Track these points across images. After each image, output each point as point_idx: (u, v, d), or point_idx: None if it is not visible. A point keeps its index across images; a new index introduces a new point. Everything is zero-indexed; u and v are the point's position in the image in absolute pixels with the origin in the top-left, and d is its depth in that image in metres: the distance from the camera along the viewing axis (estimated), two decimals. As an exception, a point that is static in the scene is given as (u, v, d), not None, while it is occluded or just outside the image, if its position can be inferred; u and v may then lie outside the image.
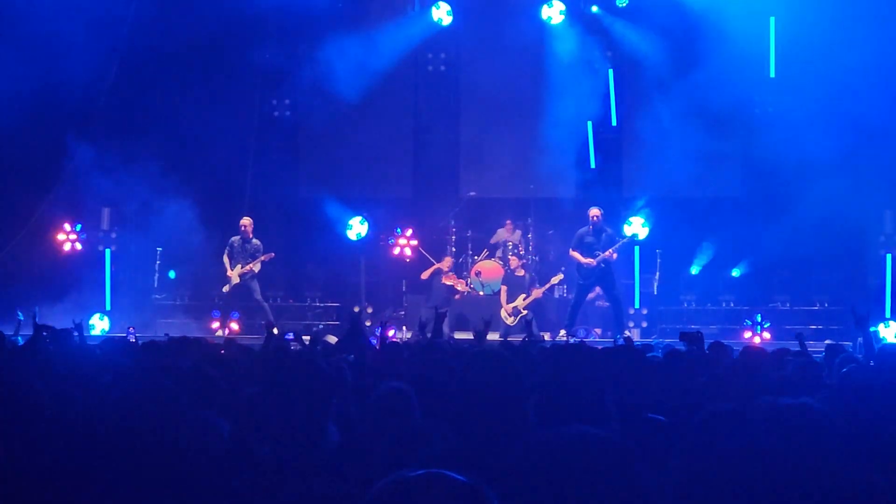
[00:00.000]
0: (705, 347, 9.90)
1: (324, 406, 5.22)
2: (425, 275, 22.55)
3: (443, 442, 4.97)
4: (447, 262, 22.67)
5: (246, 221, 21.19)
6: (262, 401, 5.34)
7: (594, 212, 20.40)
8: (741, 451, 3.99)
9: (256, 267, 20.98)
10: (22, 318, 16.66)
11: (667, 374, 8.13)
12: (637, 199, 22.66)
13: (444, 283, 22.42)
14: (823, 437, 4.42)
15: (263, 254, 21.01)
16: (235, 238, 21.16)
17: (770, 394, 6.77)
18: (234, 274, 20.94)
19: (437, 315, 12.19)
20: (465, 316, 22.28)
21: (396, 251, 23.74)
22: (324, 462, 4.88)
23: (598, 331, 21.67)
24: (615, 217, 21.91)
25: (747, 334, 21.26)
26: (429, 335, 12.58)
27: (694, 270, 22.93)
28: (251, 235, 21.14)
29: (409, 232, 23.80)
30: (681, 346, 10.74)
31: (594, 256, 20.19)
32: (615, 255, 20.43)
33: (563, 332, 20.23)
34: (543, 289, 21.77)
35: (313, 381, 5.23)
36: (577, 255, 20.37)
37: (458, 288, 22.60)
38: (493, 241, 23.55)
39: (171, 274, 22.93)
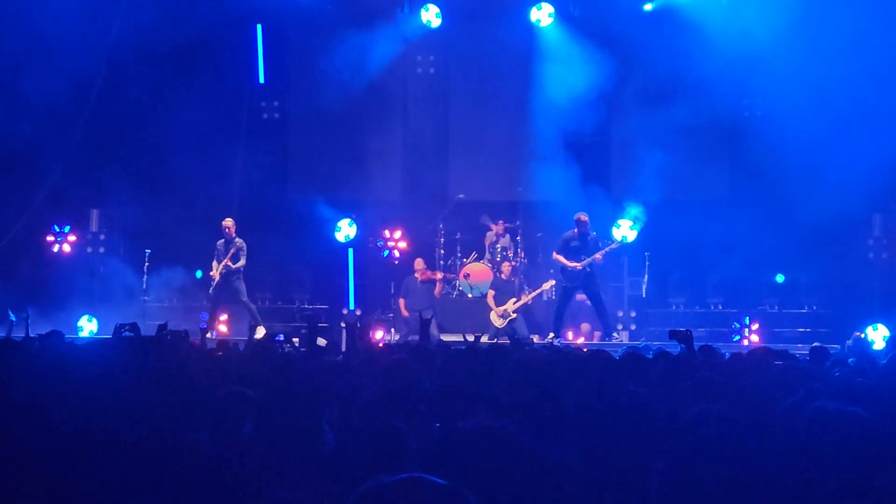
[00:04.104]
0: (695, 346, 9.87)
1: (319, 409, 5.22)
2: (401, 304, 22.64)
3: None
4: (419, 264, 22.66)
5: (228, 223, 21.14)
6: (257, 404, 5.33)
7: (581, 217, 20.40)
8: (740, 453, 4.00)
9: (240, 263, 20.89)
10: (14, 320, 16.63)
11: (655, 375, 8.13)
12: (626, 201, 22.65)
13: (420, 284, 22.42)
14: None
15: (243, 252, 20.94)
16: (221, 241, 21.15)
17: (763, 396, 6.79)
18: (216, 272, 20.92)
19: (421, 320, 12.21)
20: (454, 318, 22.28)
21: (385, 253, 23.74)
22: (320, 465, 4.88)
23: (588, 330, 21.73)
24: (604, 220, 21.93)
25: (736, 336, 21.35)
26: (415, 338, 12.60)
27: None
28: (234, 235, 21.09)
29: (398, 234, 23.81)
30: (671, 349, 10.73)
31: (580, 261, 20.19)
32: (599, 258, 20.45)
33: (551, 335, 20.23)
34: (533, 294, 21.82)
35: (308, 385, 5.23)
36: (561, 258, 20.36)
37: (437, 278, 22.61)
38: (486, 242, 23.54)
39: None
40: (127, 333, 10.58)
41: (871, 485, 4.35)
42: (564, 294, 20.67)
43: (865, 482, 4.35)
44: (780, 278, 22.82)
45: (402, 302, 22.58)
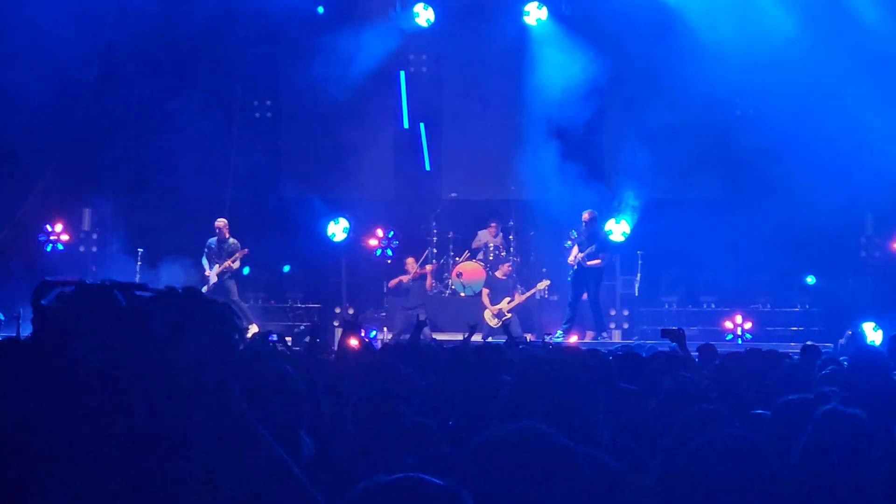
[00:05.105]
0: (686, 344, 9.82)
1: (296, 412, 5.16)
2: (392, 283, 22.61)
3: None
4: (411, 263, 22.64)
5: (221, 223, 21.16)
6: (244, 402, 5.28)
7: (585, 215, 20.54)
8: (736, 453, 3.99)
9: (235, 264, 20.93)
10: (3, 319, 16.59)
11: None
12: (619, 200, 22.66)
13: (412, 283, 22.39)
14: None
15: (238, 252, 20.96)
16: (212, 239, 21.14)
17: (755, 395, 6.78)
18: (212, 274, 20.91)
19: (417, 321, 12.19)
20: (447, 317, 22.30)
21: (378, 252, 23.74)
22: (300, 465, 4.83)
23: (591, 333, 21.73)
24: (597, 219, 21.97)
25: (728, 335, 21.34)
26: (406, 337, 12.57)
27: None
28: (227, 235, 21.10)
29: (391, 233, 23.80)
30: (665, 348, 10.70)
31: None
32: (596, 262, 20.45)
33: (559, 331, 20.25)
34: (527, 294, 21.85)
35: (284, 387, 5.17)
36: (573, 252, 20.60)
37: (425, 272, 22.57)
38: (474, 245, 23.49)
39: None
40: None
41: (866, 486, 4.36)
42: (570, 288, 20.80)
43: (862, 483, 4.35)
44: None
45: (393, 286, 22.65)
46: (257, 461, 2.80)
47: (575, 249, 20.61)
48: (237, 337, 2.81)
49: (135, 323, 2.68)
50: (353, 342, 10.03)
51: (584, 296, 20.91)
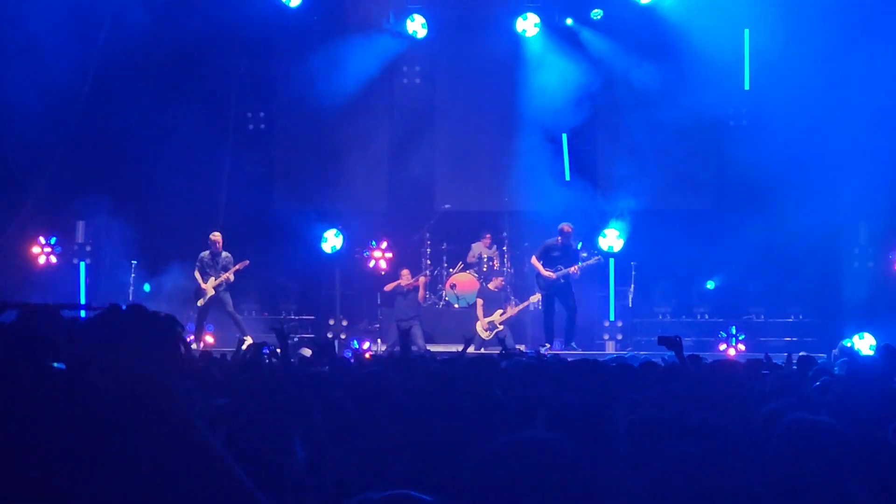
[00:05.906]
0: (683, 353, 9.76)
1: (289, 422, 5.16)
2: (389, 287, 22.54)
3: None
4: (406, 275, 22.56)
5: (215, 237, 21.15)
6: (229, 416, 5.28)
7: (564, 227, 20.45)
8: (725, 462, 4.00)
9: (232, 277, 20.94)
10: None
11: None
12: (612, 211, 22.65)
13: (407, 293, 22.32)
14: (834, 452, 4.47)
15: (235, 264, 20.98)
16: (205, 253, 21.11)
17: (749, 405, 6.79)
18: (208, 286, 20.89)
19: (400, 331, 12.20)
20: (441, 329, 22.28)
21: (371, 264, 23.71)
22: (290, 480, 4.83)
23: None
24: (590, 229, 21.95)
25: (722, 346, 21.30)
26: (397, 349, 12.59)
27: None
28: (220, 249, 21.09)
29: (384, 244, 23.78)
30: (659, 359, 10.68)
31: (556, 270, 20.26)
32: (575, 271, 20.47)
33: (547, 345, 20.19)
34: (520, 307, 21.81)
35: (279, 396, 5.17)
36: (538, 265, 20.46)
37: (419, 283, 22.50)
38: (469, 259, 23.43)
39: (146, 287, 22.73)
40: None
41: (841, 493, 4.38)
42: (546, 302, 20.71)
43: (836, 491, 4.37)
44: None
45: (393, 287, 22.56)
46: (199, 462, 2.84)
47: (536, 262, 20.54)
48: (182, 347, 2.96)
49: (78, 339, 2.76)
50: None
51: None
